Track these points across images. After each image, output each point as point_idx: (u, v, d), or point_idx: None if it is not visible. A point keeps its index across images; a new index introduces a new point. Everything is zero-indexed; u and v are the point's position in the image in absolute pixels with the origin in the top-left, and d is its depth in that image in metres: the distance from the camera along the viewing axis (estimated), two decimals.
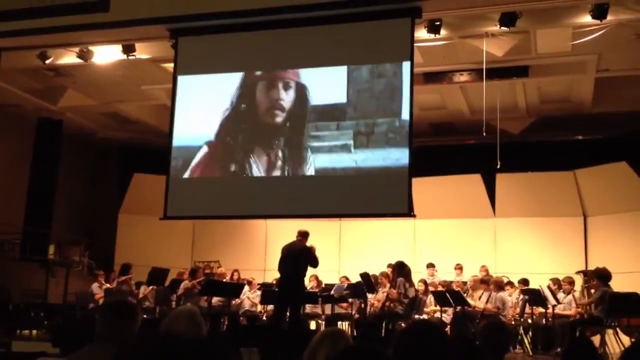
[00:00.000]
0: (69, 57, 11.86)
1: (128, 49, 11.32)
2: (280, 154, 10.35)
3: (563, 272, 11.80)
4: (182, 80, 11.02)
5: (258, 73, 10.73)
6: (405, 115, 9.76)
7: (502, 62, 11.39)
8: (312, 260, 10.34)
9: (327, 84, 10.32)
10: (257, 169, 10.46)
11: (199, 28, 10.67)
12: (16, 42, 11.24)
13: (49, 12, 10.54)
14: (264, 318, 12.33)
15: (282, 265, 10.37)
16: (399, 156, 9.71)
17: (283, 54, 10.57)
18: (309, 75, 10.43)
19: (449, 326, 10.90)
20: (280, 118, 10.45)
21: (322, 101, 10.30)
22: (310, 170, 10.19)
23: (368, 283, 11.11)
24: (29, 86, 13.78)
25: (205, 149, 10.79)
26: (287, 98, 10.47)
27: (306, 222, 12.71)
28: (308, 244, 10.46)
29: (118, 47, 11.37)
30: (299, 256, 10.25)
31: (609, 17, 9.36)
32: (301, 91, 10.41)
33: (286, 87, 10.52)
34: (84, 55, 11.59)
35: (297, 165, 10.29)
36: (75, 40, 11.32)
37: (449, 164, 14.43)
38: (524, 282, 11.66)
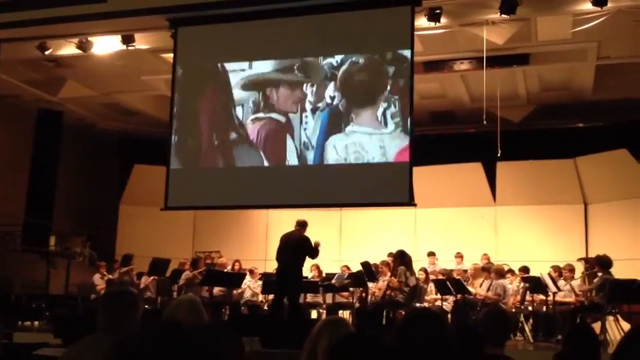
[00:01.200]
0: (69, 48, 11.84)
1: (127, 40, 11.30)
2: (280, 146, 10.35)
3: (564, 259, 11.80)
4: (187, 69, 11.00)
5: (258, 64, 10.70)
6: (406, 107, 9.74)
7: (503, 50, 11.36)
8: (310, 250, 10.28)
9: (327, 77, 10.28)
10: (254, 161, 10.46)
11: (198, 18, 10.66)
12: (15, 33, 11.22)
13: (48, 3, 10.53)
14: (265, 308, 12.35)
15: (280, 255, 10.35)
16: (400, 149, 9.70)
17: (283, 43, 10.55)
18: (309, 68, 10.40)
19: (449, 314, 10.92)
20: (283, 113, 10.44)
21: (321, 95, 10.26)
22: (311, 163, 10.20)
23: (369, 272, 11.13)
24: (29, 77, 13.76)
25: (205, 139, 10.79)
26: (287, 92, 10.45)
27: (307, 212, 12.70)
28: (312, 239, 10.35)
29: (117, 38, 11.35)
30: (297, 246, 10.21)
31: (610, 4, 9.34)
32: (301, 85, 10.38)
33: (287, 81, 10.50)
34: (84, 45, 11.57)
35: (296, 158, 10.28)
36: (75, 31, 11.30)
37: (449, 153, 14.40)
38: (525, 269, 11.66)
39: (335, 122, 10.10)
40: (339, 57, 10.22)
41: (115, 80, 13.87)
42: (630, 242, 12.59)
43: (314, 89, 10.31)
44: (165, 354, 1.44)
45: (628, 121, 13.45)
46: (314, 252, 10.32)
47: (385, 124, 9.84)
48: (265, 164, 10.44)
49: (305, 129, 10.23)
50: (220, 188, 10.75)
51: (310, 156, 10.20)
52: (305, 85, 10.37)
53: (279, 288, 10.40)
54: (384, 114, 9.87)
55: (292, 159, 10.31)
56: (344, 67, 10.15)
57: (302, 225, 10.50)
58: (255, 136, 10.51)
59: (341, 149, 10.02)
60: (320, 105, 10.23)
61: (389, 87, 9.92)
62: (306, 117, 10.27)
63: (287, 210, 12.81)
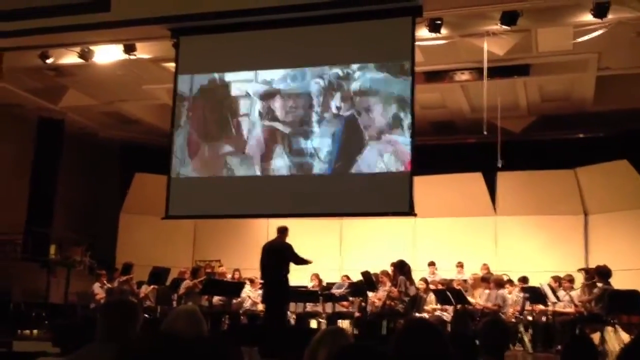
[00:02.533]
0: (70, 57, 11.87)
1: (129, 49, 11.33)
2: (281, 155, 10.36)
3: (564, 269, 11.79)
4: (183, 79, 11.03)
5: (261, 73, 10.71)
6: (408, 117, 9.76)
7: (503, 60, 11.39)
8: (293, 257, 10.08)
9: (333, 87, 10.30)
10: (257, 169, 10.47)
11: (200, 27, 10.69)
12: (17, 42, 11.26)
13: (50, 12, 10.55)
14: None
15: (265, 264, 10.19)
16: (401, 159, 9.72)
17: (283, 53, 10.57)
18: (311, 77, 10.42)
19: (449, 324, 10.91)
20: (286, 123, 10.45)
21: (327, 105, 10.28)
22: (311, 173, 10.21)
23: (369, 281, 11.13)
24: (30, 86, 13.78)
25: (205, 148, 10.81)
26: (291, 102, 10.46)
27: (308, 222, 12.74)
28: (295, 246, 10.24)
29: (119, 47, 11.38)
30: (279, 254, 10.04)
31: (610, 16, 9.37)
32: (305, 95, 10.39)
33: (291, 91, 10.52)
34: (85, 55, 11.60)
35: (297, 167, 10.29)
36: (77, 40, 11.34)
37: (450, 163, 14.43)
38: (524, 279, 11.66)
39: (351, 133, 10.06)
40: (344, 68, 10.23)
41: (116, 89, 13.90)
42: (630, 253, 12.58)
43: (320, 99, 10.31)
44: None
45: (628, 132, 13.47)
46: (297, 258, 10.10)
47: (387, 137, 9.83)
48: (267, 173, 10.44)
49: (311, 140, 10.23)
50: (221, 197, 10.75)
51: (319, 166, 10.17)
52: (309, 95, 10.37)
53: (269, 299, 10.30)
54: (386, 127, 9.87)
55: (294, 169, 10.31)
56: (351, 78, 10.16)
57: (282, 231, 10.32)
58: (257, 146, 10.51)
59: (342, 161, 10.02)
60: (326, 115, 10.22)
61: (390, 100, 9.94)
62: (312, 127, 10.27)
63: (287, 220, 12.82)
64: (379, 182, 9.88)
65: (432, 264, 13.19)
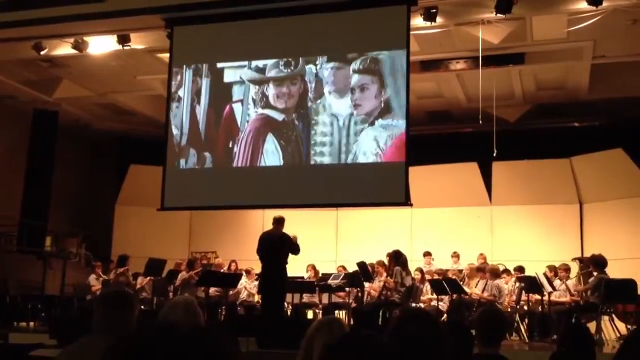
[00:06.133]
0: (64, 48, 11.82)
1: (123, 39, 11.27)
2: (275, 144, 10.35)
3: (559, 259, 11.81)
4: (177, 70, 11.00)
5: (255, 63, 10.69)
6: (403, 107, 9.75)
7: (498, 49, 11.38)
8: (292, 247, 10.07)
9: (323, 75, 10.28)
10: (250, 159, 10.45)
11: (194, 17, 10.66)
12: (10, 33, 11.19)
13: (44, 3, 10.51)
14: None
15: (263, 255, 10.10)
16: (397, 149, 9.71)
17: (278, 43, 10.54)
18: (305, 65, 10.39)
19: (445, 314, 10.93)
20: (279, 110, 10.43)
21: (317, 93, 10.26)
22: (307, 163, 10.19)
23: (365, 272, 11.13)
24: (24, 77, 13.73)
25: (202, 139, 10.79)
26: (285, 90, 10.44)
27: (303, 212, 12.73)
28: (290, 235, 10.20)
29: (113, 38, 11.33)
30: (278, 244, 9.98)
31: (605, 3, 9.35)
32: (302, 85, 10.36)
33: (285, 80, 10.49)
34: (79, 45, 11.54)
35: (294, 157, 10.28)
36: (70, 31, 11.28)
37: (445, 152, 14.42)
38: (520, 269, 11.68)
39: (346, 123, 10.02)
40: (339, 56, 10.21)
41: (111, 80, 13.85)
42: (625, 242, 12.61)
43: (314, 87, 10.28)
44: (160, 355, 1.44)
45: (623, 120, 13.47)
46: (296, 248, 10.09)
47: (395, 124, 9.81)
48: (261, 163, 10.42)
49: (306, 129, 10.21)
50: (216, 188, 10.74)
51: (314, 155, 10.15)
52: (304, 83, 10.34)
53: (266, 289, 10.22)
54: (389, 113, 9.85)
55: (289, 158, 10.30)
56: (346, 66, 10.14)
57: (279, 221, 10.19)
58: (251, 135, 10.50)
59: (338, 152, 10.01)
60: (320, 104, 10.18)
61: (385, 89, 9.92)
62: (306, 116, 10.25)
63: (283, 210, 12.81)
64: (375, 172, 9.87)
65: (427, 254, 13.19)
